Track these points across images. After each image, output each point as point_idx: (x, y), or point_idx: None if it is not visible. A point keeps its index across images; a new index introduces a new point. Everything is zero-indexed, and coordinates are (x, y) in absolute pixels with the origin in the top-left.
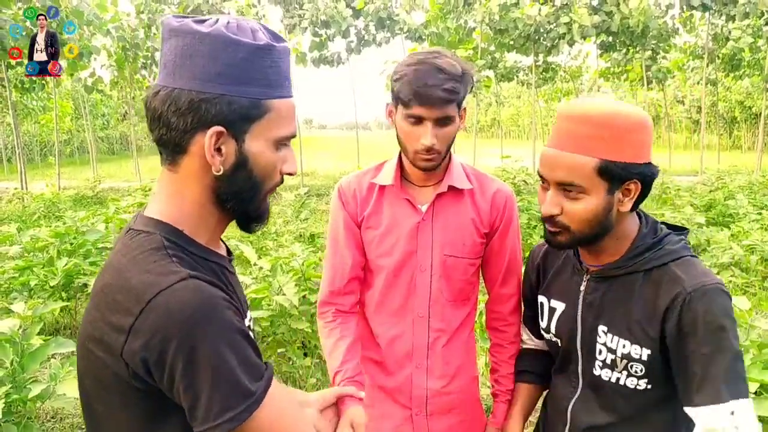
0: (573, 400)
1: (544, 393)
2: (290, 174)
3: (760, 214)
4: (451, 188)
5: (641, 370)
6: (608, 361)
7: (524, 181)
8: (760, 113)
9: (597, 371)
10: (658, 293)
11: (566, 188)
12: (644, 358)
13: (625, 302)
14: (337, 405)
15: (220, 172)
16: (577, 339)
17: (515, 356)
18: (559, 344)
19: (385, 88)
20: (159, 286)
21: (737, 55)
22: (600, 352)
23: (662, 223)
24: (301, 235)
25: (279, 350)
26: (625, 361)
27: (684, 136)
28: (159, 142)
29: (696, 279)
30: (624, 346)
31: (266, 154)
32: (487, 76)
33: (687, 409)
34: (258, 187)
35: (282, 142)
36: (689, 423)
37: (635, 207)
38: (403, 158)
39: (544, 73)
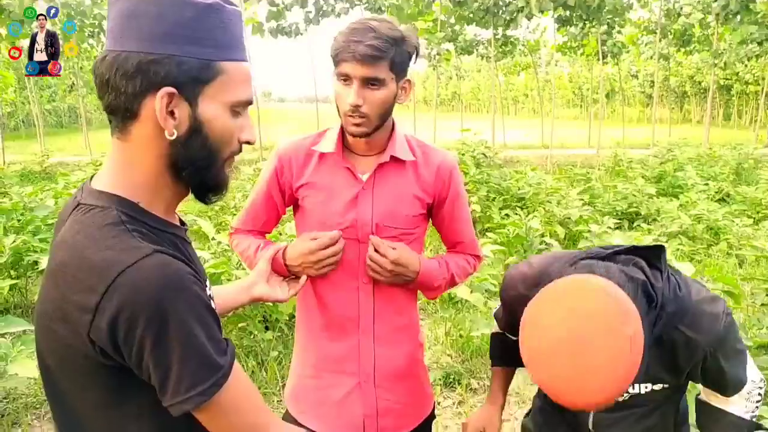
0: (591, 415)
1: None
2: (249, 142)
3: (707, 185)
4: (393, 159)
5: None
6: (626, 397)
7: (483, 154)
8: (709, 88)
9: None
10: (676, 354)
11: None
12: (657, 388)
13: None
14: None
15: (174, 136)
16: None
17: (466, 271)
18: None
19: None
20: (124, 263)
21: (688, 30)
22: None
23: (635, 247)
24: None
25: (240, 324)
26: (637, 395)
27: (638, 110)
28: (108, 109)
29: (709, 334)
30: (645, 387)
31: (222, 119)
32: (447, 50)
33: (720, 398)
34: (215, 154)
35: (238, 109)
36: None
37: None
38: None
39: (503, 47)
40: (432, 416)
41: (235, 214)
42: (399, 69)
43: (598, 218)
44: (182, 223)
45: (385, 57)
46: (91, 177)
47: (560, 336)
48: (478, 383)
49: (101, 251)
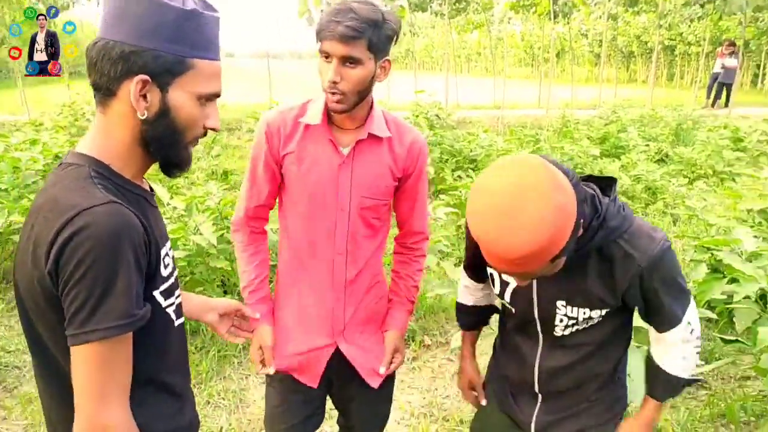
0: (538, 356)
1: (495, 339)
2: (213, 129)
3: (648, 146)
4: (371, 135)
5: (600, 316)
6: (569, 324)
7: (437, 115)
8: (654, 48)
9: (558, 332)
10: (613, 269)
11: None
12: (604, 314)
13: (582, 279)
14: (242, 317)
15: (144, 116)
16: (535, 311)
17: (419, 271)
18: (514, 311)
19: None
20: (81, 207)
21: None
22: (561, 320)
23: (589, 177)
24: (213, 172)
25: (197, 289)
26: (585, 321)
27: (586, 69)
28: (93, 86)
29: (645, 252)
30: (585, 313)
31: (188, 107)
32: (401, 6)
33: (656, 333)
34: (179, 135)
35: (206, 99)
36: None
37: (573, 237)
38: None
39: (456, 4)
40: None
41: (187, 177)
42: (377, 49)
43: None
44: (151, 189)
45: (362, 37)
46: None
47: (497, 199)
48: (431, 339)
49: (68, 197)
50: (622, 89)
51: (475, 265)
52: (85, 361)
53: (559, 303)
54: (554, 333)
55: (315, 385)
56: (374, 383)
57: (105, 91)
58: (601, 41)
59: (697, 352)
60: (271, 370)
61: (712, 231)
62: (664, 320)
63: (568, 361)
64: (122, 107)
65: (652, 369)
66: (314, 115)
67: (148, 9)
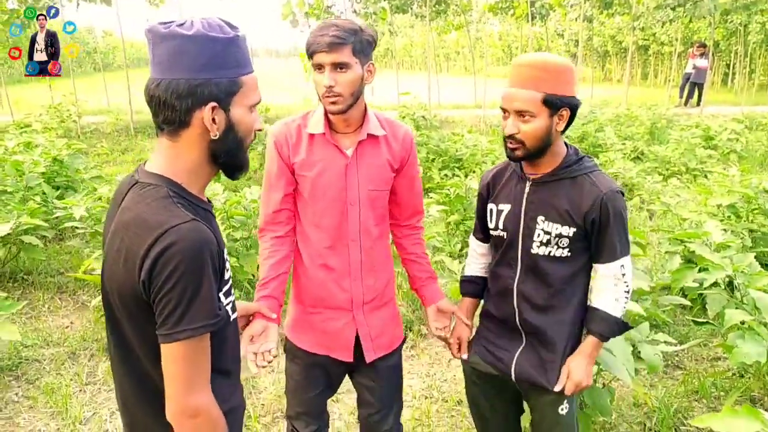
0: (516, 279)
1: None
2: (260, 130)
3: (624, 144)
4: (370, 135)
5: (566, 243)
6: (544, 240)
7: (423, 116)
8: (629, 48)
9: (534, 249)
10: (582, 194)
11: (521, 114)
12: (570, 234)
13: (558, 199)
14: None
15: (217, 137)
16: (520, 228)
17: (425, 247)
18: (504, 237)
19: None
20: (169, 224)
21: None
22: (538, 234)
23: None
24: None
25: None
26: (556, 238)
27: None
28: (164, 121)
29: (607, 186)
30: (556, 228)
31: (246, 118)
32: (383, 8)
33: (596, 265)
34: (242, 143)
35: (253, 108)
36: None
37: (566, 129)
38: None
39: (437, 6)
40: (403, 341)
41: None
42: (362, 54)
43: None
44: (208, 201)
45: (346, 43)
46: (144, 162)
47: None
48: (428, 329)
49: (155, 215)
50: (598, 88)
51: (483, 227)
52: (175, 357)
53: (539, 218)
54: (531, 250)
55: (350, 359)
56: (370, 358)
57: (179, 124)
58: (577, 41)
59: (626, 300)
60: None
61: (685, 225)
62: (604, 251)
63: (542, 291)
64: (193, 132)
65: (589, 311)
66: (316, 125)
67: (201, 45)
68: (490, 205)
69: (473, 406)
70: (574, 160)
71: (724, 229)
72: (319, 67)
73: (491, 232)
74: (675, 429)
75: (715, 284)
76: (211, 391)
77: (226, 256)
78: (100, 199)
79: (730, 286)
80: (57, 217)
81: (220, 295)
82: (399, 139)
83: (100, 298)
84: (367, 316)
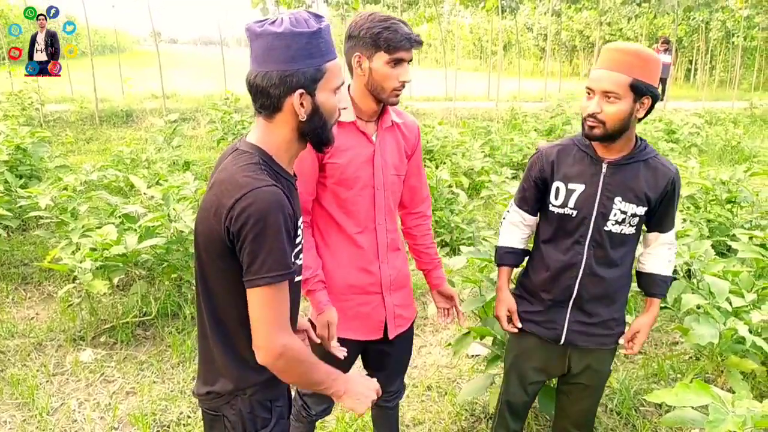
0: (584, 255)
1: (518, 277)
2: (343, 108)
3: None
4: (393, 123)
5: (636, 222)
6: (619, 219)
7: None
8: (596, 43)
9: (608, 227)
10: (657, 175)
11: (607, 95)
12: (642, 213)
13: (637, 181)
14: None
15: (304, 119)
16: (594, 208)
17: (433, 237)
18: (573, 215)
19: (252, 4)
20: (253, 185)
21: None
22: (615, 214)
23: None
24: (174, 163)
25: (173, 275)
26: (631, 217)
27: (532, 62)
28: (261, 107)
29: (673, 168)
30: (632, 208)
31: (330, 100)
32: None
33: (656, 234)
34: (327, 123)
35: (336, 90)
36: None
37: (645, 116)
38: (357, 98)
39: None
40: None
41: (148, 168)
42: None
43: (497, 169)
44: (294, 175)
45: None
46: (246, 134)
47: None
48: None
49: (244, 177)
50: (566, 82)
51: (532, 198)
52: (258, 300)
53: (617, 199)
54: (605, 228)
55: (380, 336)
56: (393, 335)
57: (273, 109)
58: (546, 35)
59: (673, 254)
60: (342, 354)
61: None
62: (668, 222)
63: (604, 265)
64: (285, 115)
65: (645, 277)
66: (348, 114)
67: (289, 40)
68: (557, 183)
69: (520, 378)
70: (644, 144)
71: (684, 219)
72: (398, 61)
73: (553, 209)
74: (635, 409)
75: (674, 271)
76: (292, 331)
77: (300, 223)
78: (66, 188)
79: (689, 274)
80: (21, 207)
81: (291, 255)
82: (410, 127)
83: (67, 288)
84: (393, 295)
